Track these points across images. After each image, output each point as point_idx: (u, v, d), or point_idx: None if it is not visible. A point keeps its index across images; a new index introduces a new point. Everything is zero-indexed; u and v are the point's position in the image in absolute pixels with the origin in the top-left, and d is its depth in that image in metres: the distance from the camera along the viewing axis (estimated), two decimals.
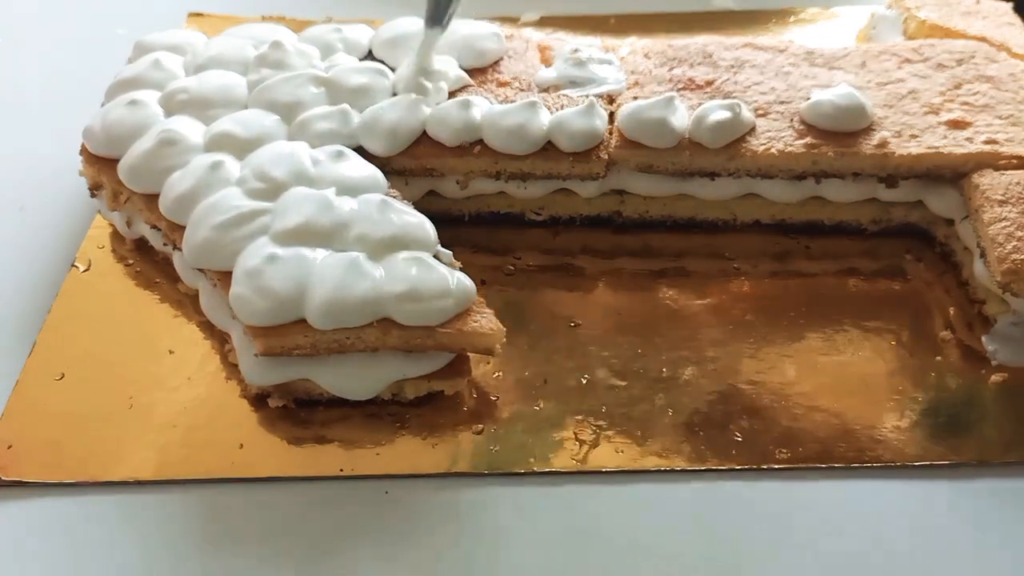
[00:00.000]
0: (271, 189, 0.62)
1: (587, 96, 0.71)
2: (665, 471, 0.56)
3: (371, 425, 0.59)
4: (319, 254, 0.58)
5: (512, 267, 0.70)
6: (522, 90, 0.72)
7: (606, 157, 0.68)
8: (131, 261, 0.69)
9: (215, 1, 0.94)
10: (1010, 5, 0.81)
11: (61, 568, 0.52)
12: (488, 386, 0.61)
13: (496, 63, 0.75)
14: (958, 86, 0.71)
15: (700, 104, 0.69)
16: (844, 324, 0.65)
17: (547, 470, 0.56)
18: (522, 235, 0.72)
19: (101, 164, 0.68)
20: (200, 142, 0.66)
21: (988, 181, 0.64)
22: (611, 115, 0.70)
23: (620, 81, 0.73)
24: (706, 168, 0.68)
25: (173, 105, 0.69)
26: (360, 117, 0.68)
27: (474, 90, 0.71)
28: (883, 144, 0.67)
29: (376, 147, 0.67)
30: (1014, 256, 0.60)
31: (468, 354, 0.60)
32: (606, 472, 0.56)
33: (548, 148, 0.67)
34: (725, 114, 0.67)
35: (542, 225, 0.72)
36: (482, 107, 0.68)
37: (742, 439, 0.58)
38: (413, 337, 0.57)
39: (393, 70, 0.73)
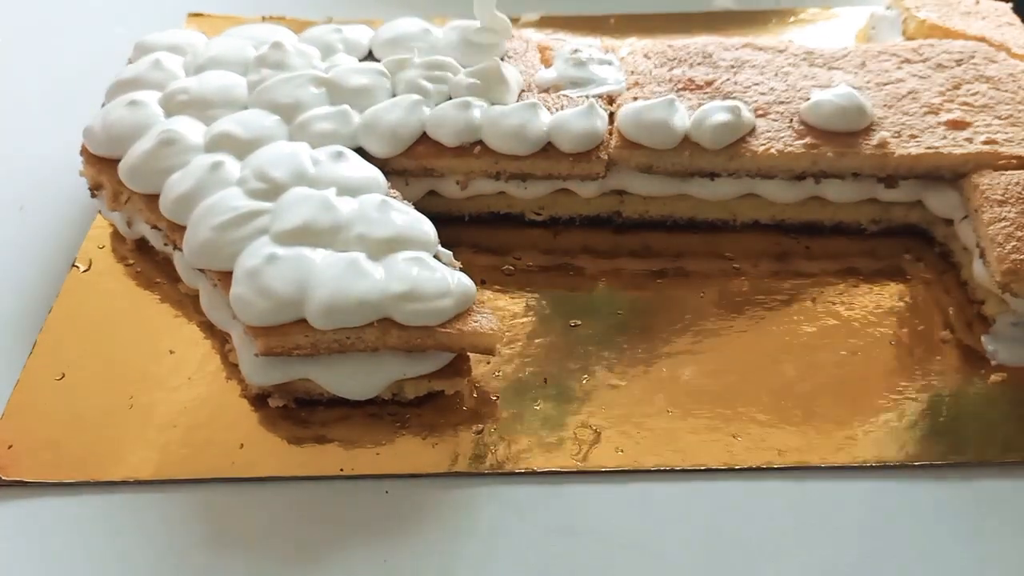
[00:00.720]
0: (271, 189, 0.62)
1: (587, 97, 0.71)
2: (665, 471, 0.56)
3: (371, 425, 0.59)
4: (319, 254, 0.58)
5: (512, 267, 0.70)
6: (522, 90, 0.72)
7: (606, 157, 0.68)
8: (131, 261, 0.69)
9: (215, 1, 0.94)
10: (1009, 5, 0.81)
11: (61, 568, 0.53)
12: (488, 386, 0.61)
13: None
14: (957, 86, 0.71)
15: (700, 104, 0.69)
16: (844, 324, 0.65)
17: (547, 470, 0.56)
18: (522, 235, 0.72)
19: (101, 164, 0.68)
20: (200, 142, 0.66)
21: (987, 181, 0.64)
22: (611, 115, 0.70)
23: (620, 81, 0.73)
24: (706, 168, 0.68)
25: (173, 105, 0.69)
26: (360, 118, 0.68)
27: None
28: (883, 144, 0.67)
29: (376, 148, 0.67)
30: (1014, 256, 0.60)
31: (468, 354, 0.60)
32: (606, 472, 0.56)
33: (548, 148, 0.67)
34: (726, 116, 0.67)
35: (542, 225, 0.73)
36: (482, 107, 0.68)
37: (742, 439, 0.58)
38: (413, 337, 0.57)
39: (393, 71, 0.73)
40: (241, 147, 0.65)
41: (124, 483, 0.56)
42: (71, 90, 0.83)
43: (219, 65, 0.73)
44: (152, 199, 0.65)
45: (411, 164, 0.68)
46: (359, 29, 0.77)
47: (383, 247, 0.59)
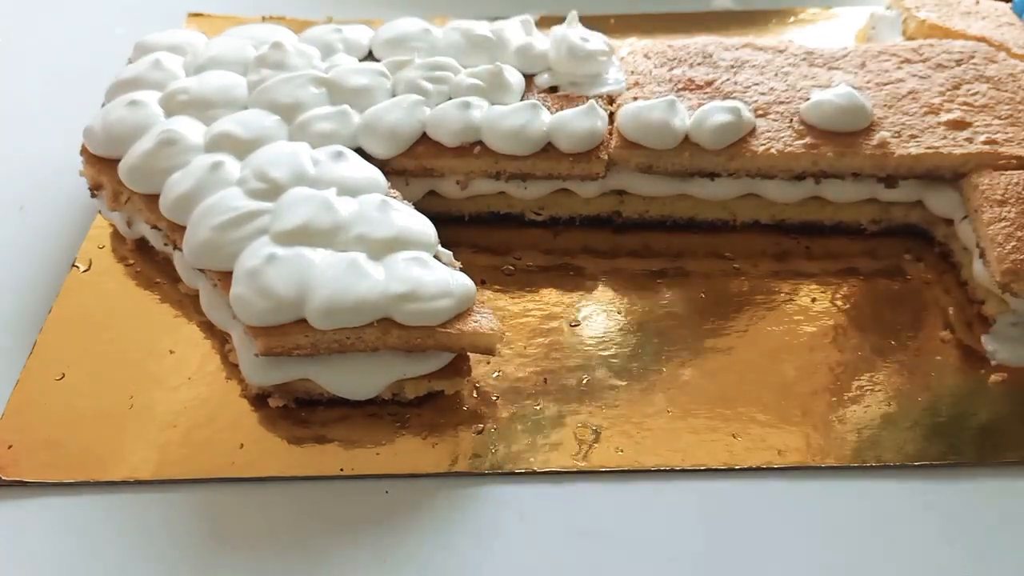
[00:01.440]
0: (271, 189, 0.62)
1: (587, 97, 0.71)
2: (665, 471, 0.56)
3: (371, 425, 0.59)
4: (319, 254, 0.58)
5: (512, 267, 0.70)
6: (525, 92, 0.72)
7: (606, 157, 0.68)
8: (131, 261, 0.69)
9: (215, 1, 0.94)
10: (1009, 5, 0.81)
11: (61, 568, 0.53)
12: (488, 386, 0.61)
13: None
14: (957, 86, 0.71)
15: (700, 104, 0.69)
16: (844, 324, 0.65)
17: (547, 470, 0.56)
18: (522, 235, 0.72)
19: (101, 164, 0.68)
20: (200, 142, 0.66)
21: (987, 181, 0.64)
22: (611, 115, 0.70)
23: (620, 81, 0.73)
24: (706, 168, 0.68)
25: (173, 105, 0.69)
26: (360, 118, 0.68)
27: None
28: (883, 144, 0.67)
29: (376, 148, 0.67)
30: (1014, 256, 0.60)
31: (468, 354, 0.60)
32: (606, 472, 0.56)
33: (548, 149, 0.67)
34: (726, 116, 0.67)
35: (542, 225, 0.73)
36: (482, 108, 0.68)
37: (742, 439, 0.58)
38: (413, 337, 0.57)
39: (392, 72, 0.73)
40: (241, 147, 0.65)
41: (124, 483, 0.56)
42: (71, 90, 0.83)
43: (219, 65, 0.73)
44: (152, 199, 0.65)
45: (411, 164, 0.68)
46: (359, 29, 0.78)
47: (383, 247, 0.59)
